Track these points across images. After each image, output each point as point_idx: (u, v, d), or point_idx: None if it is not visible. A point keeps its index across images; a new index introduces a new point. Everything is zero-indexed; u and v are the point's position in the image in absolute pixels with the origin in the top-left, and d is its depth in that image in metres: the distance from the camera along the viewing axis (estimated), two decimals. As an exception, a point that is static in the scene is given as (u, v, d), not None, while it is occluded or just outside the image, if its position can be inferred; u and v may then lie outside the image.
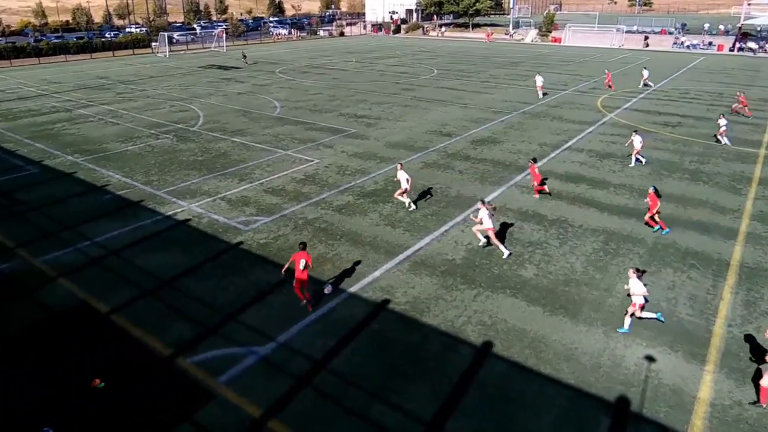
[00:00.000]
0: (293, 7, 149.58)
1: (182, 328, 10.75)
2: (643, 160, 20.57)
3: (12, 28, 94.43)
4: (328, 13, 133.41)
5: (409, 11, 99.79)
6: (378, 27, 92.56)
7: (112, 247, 14.05)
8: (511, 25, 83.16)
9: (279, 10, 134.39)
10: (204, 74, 45.27)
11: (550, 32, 76.08)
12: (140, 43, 67.03)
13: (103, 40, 66.26)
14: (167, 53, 60.26)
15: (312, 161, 21.05)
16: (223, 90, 37.21)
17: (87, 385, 9.05)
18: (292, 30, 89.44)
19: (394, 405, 8.81)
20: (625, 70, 45.66)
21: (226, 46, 67.91)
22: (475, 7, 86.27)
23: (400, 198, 16.28)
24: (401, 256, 13.58)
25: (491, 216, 13.28)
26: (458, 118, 28.46)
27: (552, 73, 44.14)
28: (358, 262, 13.27)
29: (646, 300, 10.59)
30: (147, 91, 37.30)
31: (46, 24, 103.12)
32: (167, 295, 11.94)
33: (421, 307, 11.46)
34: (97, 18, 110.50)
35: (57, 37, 71.41)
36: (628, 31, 70.26)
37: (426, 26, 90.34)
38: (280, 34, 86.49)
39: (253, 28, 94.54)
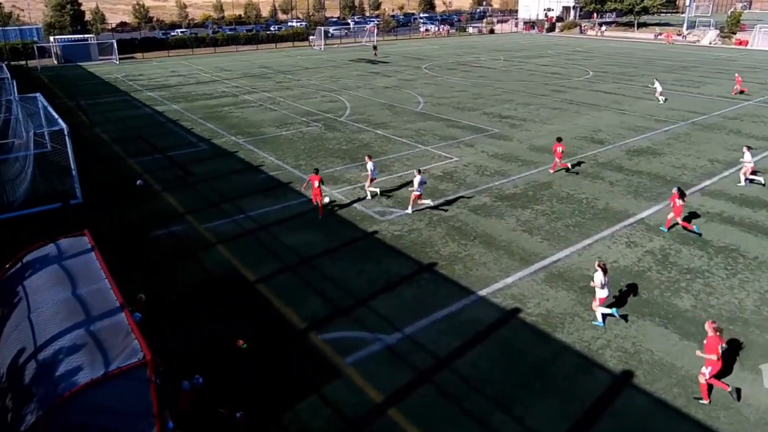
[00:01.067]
0: (444, 3, 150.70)
1: (316, 305, 11.50)
2: (762, 180, 17.82)
3: (195, 21, 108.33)
4: (478, 10, 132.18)
5: (566, 8, 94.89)
6: (531, 25, 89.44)
7: (262, 222, 15.49)
8: (685, 25, 74.95)
9: (430, 6, 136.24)
10: (354, 67, 47.66)
11: (735, 33, 67.10)
12: (299, 36, 72.65)
13: (267, 33, 73.07)
14: (322, 46, 64.47)
15: (451, 159, 21.09)
16: (371, 83, 38.82)
17: (232, 344, 10.09)
18: (441, 26, 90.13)
19: (517, 417, 8.53)
20: (831, 81, 38.70)
21: (377, 41, 70.62)
22: (642, 5, 79.18)
23: (369, 188, 17.00)
24: (536, 266, 13.05)
25: (422, 183, 15.40)
26: (613, 124, 26.46)
27: (733, 80, 38.94)
28: (490, 266, 13.04)
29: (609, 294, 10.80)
30: (302, 81, 40.32)
31: (223, 17, 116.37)
32: (306, 272, 12.85)
33: (555, 321, 10.92)
34: (264, 12, 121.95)
35: (230, 29, 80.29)
36: (840, 34, 59.33)
37: (584, 25, 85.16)
38: (428, 30, 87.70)
39: (403, 23, 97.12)
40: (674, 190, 14.40)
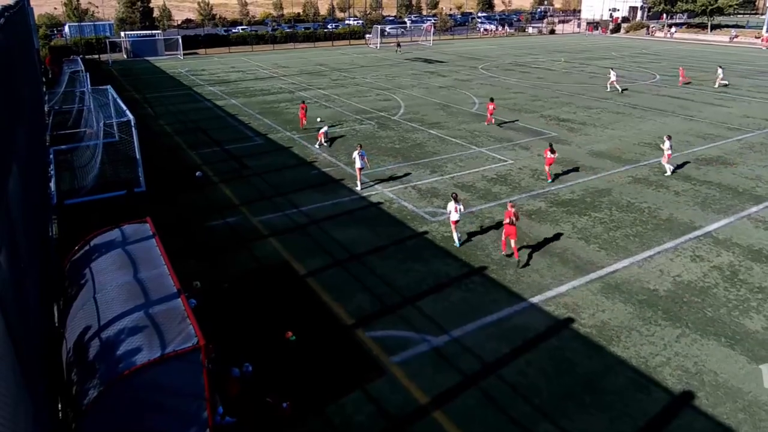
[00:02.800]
0: (503, 2, 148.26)
1: (364, 301, 11.60)
2: (668, 169, 19.13)
3: (255, 18, 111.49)
4: (539, 10, 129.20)
5: (633, 9, 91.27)
6: (594, 25, 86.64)
7: (313, 217, 15.78)
8: (765, 27, 70.45)
9: (488, 5, 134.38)
10: (409, 66, 47.70)
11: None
12: (356, 34, 73.49)
13: (325, 31, 74.23)
14: (378, 45, 64.86)
15: (506, 161, 20.76)
16: (426, 83, 38.73)
17: (281, 335, 10.34)
18: (500, 26, 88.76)
19: (563, 429, 8.30)
20: None
21: (433, 40, 70.39)
22: (716, 5, 74.91)
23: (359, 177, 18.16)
24: (592, 275, 12.65)
25: (362, 156, 17.48)
26: (680, 131, 25.24)
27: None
28: (542, 273, 12.75)
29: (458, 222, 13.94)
30: (357, 79, 40.73)
31: (282, 15, 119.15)
32: (354, 268, 12.99)
33: (610, 334, 10.54)
34: (323, 11, 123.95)
35: (289, 27, 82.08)
36: None
37: (652, 26, 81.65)
38: (486, 29, 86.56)
39: (460, 23, 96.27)
40: (546, 147, 18.50)
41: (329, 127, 23.85)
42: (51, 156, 20.41)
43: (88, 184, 17.45)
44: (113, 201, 16.70)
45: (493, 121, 25.95)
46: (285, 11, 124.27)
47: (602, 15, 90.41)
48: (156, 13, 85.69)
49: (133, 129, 17.75)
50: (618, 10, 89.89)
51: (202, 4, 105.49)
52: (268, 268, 13.05)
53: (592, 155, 21.55)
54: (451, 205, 13.69)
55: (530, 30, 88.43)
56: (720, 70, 36.81)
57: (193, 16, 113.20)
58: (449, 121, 27.20)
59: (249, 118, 28.24)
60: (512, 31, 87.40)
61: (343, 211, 16.26)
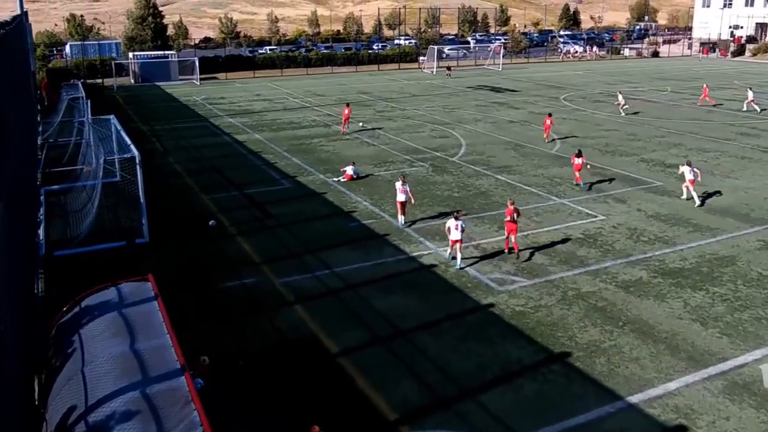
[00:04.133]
0: (592, 18, 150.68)
1: (410, 390, 11.57)
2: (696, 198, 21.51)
3: (287, 37, 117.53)
4: (637, 27, 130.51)
5: (762, 26, 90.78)
6: (710, 47, 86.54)
7: (350, 281, 16.03)
8: None
9: (573, 22, 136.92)
10: (473, 96, 48.81)
11: None
12: (407, 56, 76.22)
13: (369, 52, 77.45)
14: (435, 69, 66.75)
15: (595, 217, 20.64)
16: (493, 116, 39.44)
17: (306, 429, 10.34)
18: (588, 47, 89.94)
19: None
20: None
21: (503, 63, 71.88)
22: None
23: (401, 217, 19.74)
24: (712, 369, 12.20)
25: (404, 190, 19.19)
26: (829, 183, 24.49)
27: None
28: (644, 364, 12.39)
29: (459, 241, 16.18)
30: (407, 111, 41.93)
31: (318, 33, 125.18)
32: (399, 347, 13.03)
33: (738, 450, 10.05)
34: (367, 28, 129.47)
35: (326, 48, 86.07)
36: None
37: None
38: (572, 51, 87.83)
39: (538, 43, 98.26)
40: (573, 154, 23.69)
41: (354, 166, 25.49)
42: (42, 197, 21.74)
43: (83, 232, 18.40)
44: (110, 253, 17.49)
45: (546, 139, 31.05)
46: (322, 29, 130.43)
47: (720, 34, 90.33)
48: (170, 31, 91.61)
49: (138, 167, 18.76)
50: (741, 27, 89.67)
51: (224, 21, 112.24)
52: (292, 342, 13.26)
53: (709, 212, 21.15)
54: (451, 222, 16.06)
55: (626, 52, 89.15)
56: (750, 92, 41.14)
57: (213, 34, 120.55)
58: (522, 164, 27.43)
59: (275, 156, 29.37)
60: (603, 53, 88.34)
61: (387, 274, 16.46)
